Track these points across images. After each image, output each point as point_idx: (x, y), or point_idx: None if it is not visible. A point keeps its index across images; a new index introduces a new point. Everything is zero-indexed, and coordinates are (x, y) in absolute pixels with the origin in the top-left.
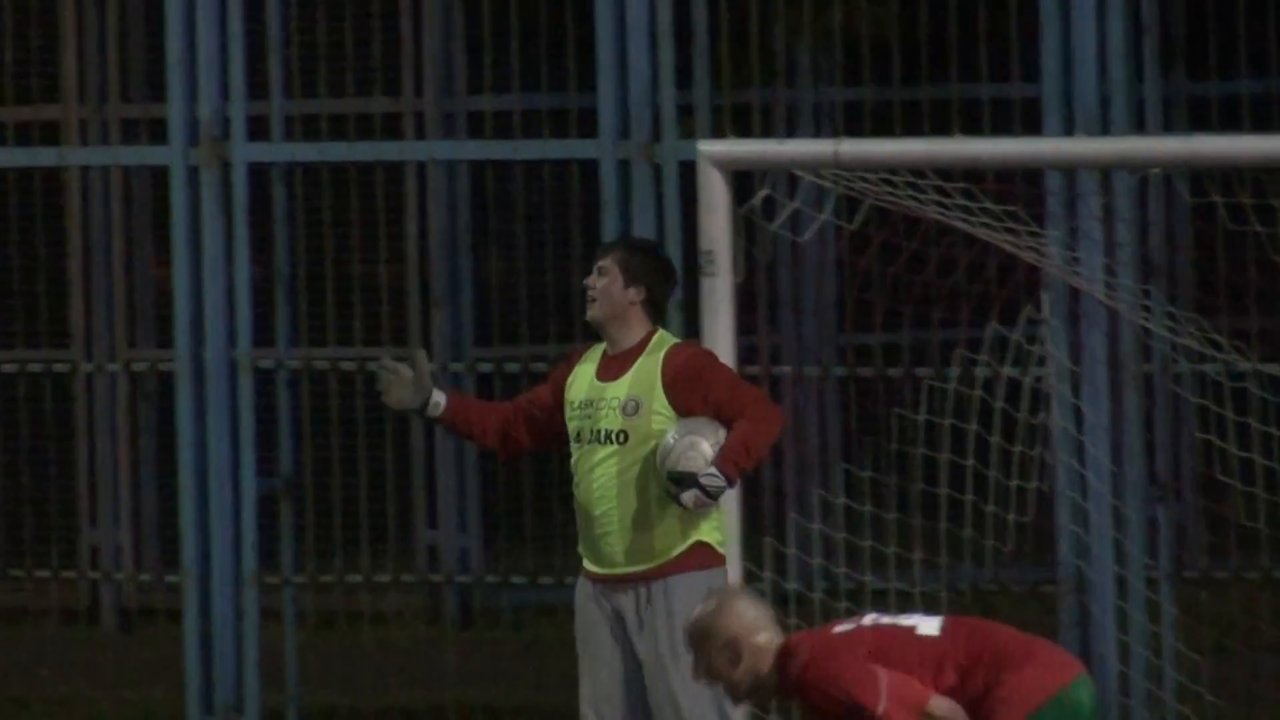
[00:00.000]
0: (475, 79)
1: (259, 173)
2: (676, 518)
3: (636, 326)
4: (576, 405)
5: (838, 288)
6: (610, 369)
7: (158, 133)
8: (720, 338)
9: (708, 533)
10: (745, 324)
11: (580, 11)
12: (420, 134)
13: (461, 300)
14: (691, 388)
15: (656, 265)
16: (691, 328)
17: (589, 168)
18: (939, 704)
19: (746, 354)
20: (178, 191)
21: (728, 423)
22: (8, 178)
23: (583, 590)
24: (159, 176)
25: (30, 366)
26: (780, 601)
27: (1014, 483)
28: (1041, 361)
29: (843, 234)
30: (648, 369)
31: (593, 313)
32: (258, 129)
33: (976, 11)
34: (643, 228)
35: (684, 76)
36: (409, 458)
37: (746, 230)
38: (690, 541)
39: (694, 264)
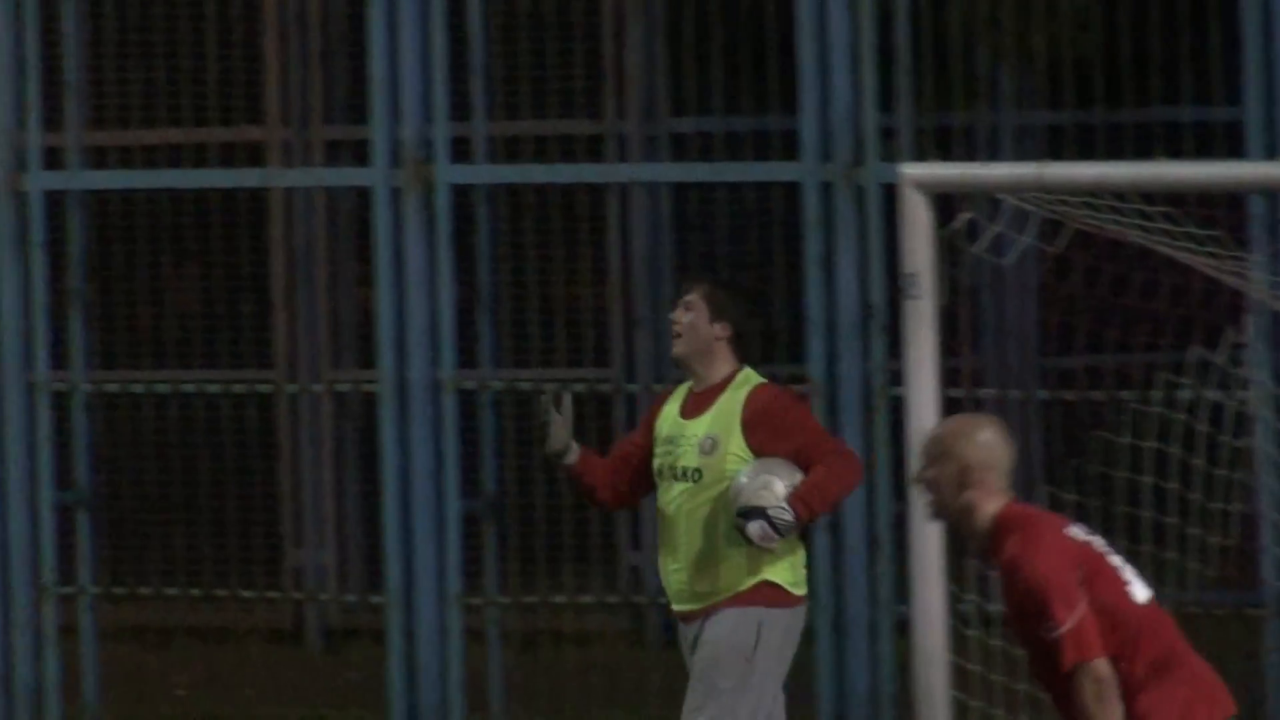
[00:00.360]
0: (678, 101)
1: (462, 194)
2: (745, 556)
3: (721, 363)
4: (661, 441)
5: (1040, 311)
6: (693, 406)
7: (360, 154)
8: (923, 361)
9: (778, 572)
10: (948, 347)
11: (783, 33)
12: (623, 156)
13: (663, 322)
14: (771, 429)
15: (743, 301)
16: (895, 350)
17: (791, 190)
18: (1102, 668)
19: (949, 377)
20: (381, 213)
21: (805, 468)
22: (212, 199)
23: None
24: (362, 198)
25: (234, 387)
26: (984, 624)
27: (1217, 505)
28: (1244, 385)
29: (1045, 257)
30: (728, 408)
31: (678, 349)
32: (460, 150)
33: (1179, 34)
34: (845, 250)
35: (886, 99)
36: None
37: (949, 253)
38: (757, 579)
39: (897, 287)
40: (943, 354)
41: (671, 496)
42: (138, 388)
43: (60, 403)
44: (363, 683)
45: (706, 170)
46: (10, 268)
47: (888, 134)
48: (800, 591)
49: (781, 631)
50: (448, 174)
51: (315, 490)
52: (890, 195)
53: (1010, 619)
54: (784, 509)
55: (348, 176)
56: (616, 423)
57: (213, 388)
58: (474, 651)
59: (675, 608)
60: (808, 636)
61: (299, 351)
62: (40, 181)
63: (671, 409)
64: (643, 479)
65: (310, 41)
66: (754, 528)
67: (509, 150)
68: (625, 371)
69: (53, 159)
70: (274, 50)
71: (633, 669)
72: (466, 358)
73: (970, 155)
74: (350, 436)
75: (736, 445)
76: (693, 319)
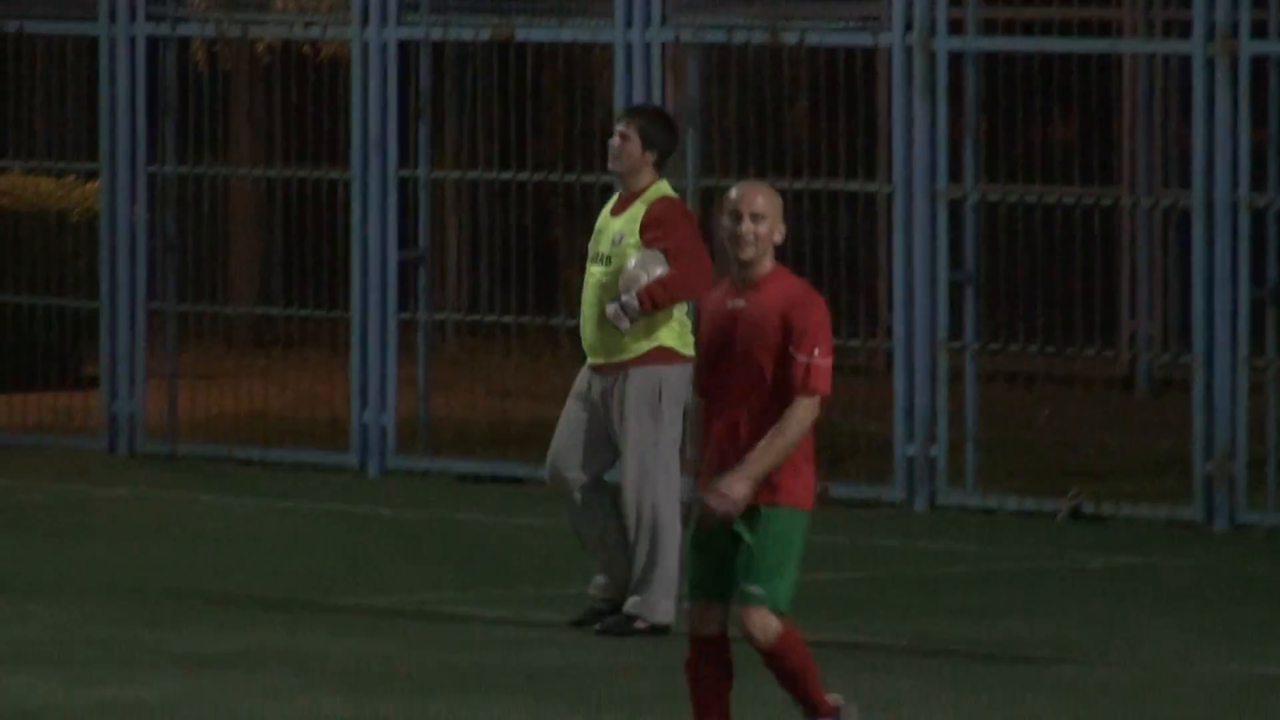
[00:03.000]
0: None
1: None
2: (642, 326)
3: (644, 177)
4: (595, 233)
5: None
6: (618, 207)
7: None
8: None
9: (667, 338)
10: None
11: None
12: None
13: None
14: (658, 230)
15: (665, 131)
16: None
17: None
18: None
19: None
20: (1197, 79)
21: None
22: (1068, 61)
23: (582, 373)
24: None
25: (1084, 200)
26: None
27: None
28: None
29: None
30: (637, 211)
31: (614, 165)
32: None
33: None
34: None
35: None
36: None
37: None
38: (654, 345)
39: None
40: None
41: (592, 273)
42: (1012, 198)
43: (955, 208)
44: (1177, 422)
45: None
46: (921, 110)
47: None
48: (689, 352)
49: (675, 383)
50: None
51: (1146, 280)
52: None
53: (754, 337)
54: (632, 299)
55: (1172, 47)
56: None
57: (1067, 200)
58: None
59: (590, 360)
60: None
61: (1137, 174)
62: (946, 44)
63: (606, 209)
64: None
65: None
66: (610, 308)
67: None
68: None
69: (954, 27)
70: None
71: None
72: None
73: None
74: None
75: (634, 240)
76: (627, 145)
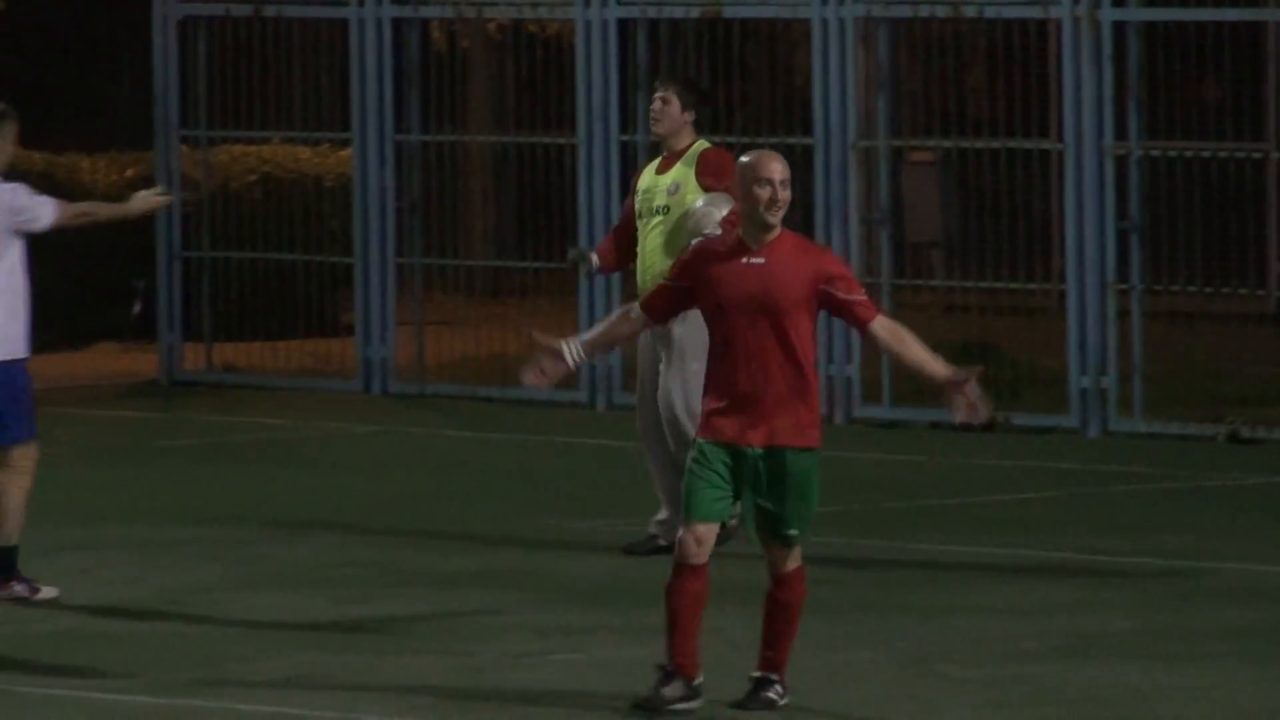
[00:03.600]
0: None
1: None
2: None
3: (685, 138)
4: (641, 193)
5: None
6: (663, 166)
7: None
8: None
9: None
10: None
11: None
12: None
13: None
14: (712, 175)
15: (701, 94)
16: None
17: None
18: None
19: None
20: None
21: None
22: (1221, 29)
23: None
24: None
25: (1237, 154)
26: None
27: None
28: None
29: None
30: (688, 165)
31: (658, 129)
32: None
33: None
34: None
35: None
36: None
37: None
38: None
39: None
40: None
41: (650, 227)
42: (1171, 153)
43: (1120, 163)
44: None
45: None
46: (1089, 75)
47: None
48: None
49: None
50: None
51: None
52: None
53: (779, 288)
54: (716, 229)
55: None
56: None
57: (1221, 154)
58: None
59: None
60: None
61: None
62: (1110, 15)
63: (649, 170)
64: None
65: None
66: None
67: None
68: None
69: (1117, 0)
70: None
71: None
72: None
73: None
74: None
75: (692, 187)
76: (668, 108)
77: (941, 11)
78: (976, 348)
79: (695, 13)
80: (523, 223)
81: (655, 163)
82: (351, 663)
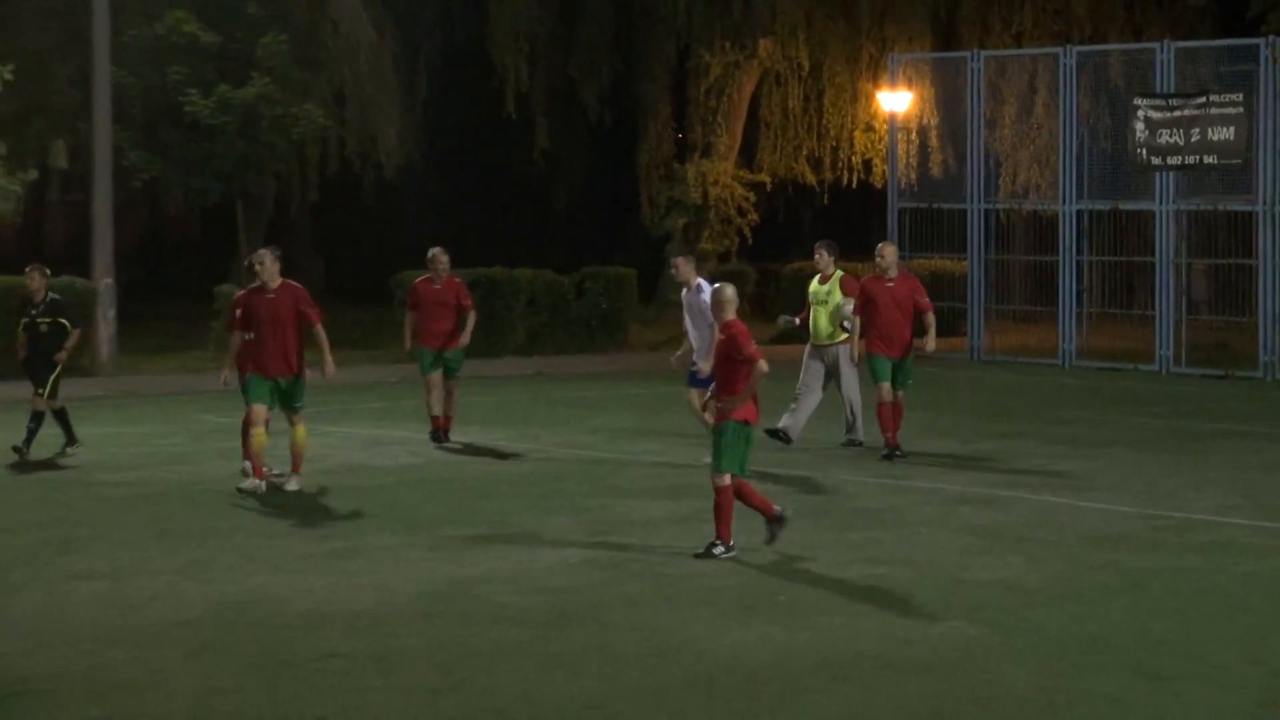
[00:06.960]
0: None
1: None
2: (838, 329)
3: (831, 268)
4: (811, 294)
5: None
6: (820, 282)
7: None
8: None
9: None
10: None
11: None
12: None
13: None
14: (846, 289)
15: (834, 247)
16: None
17: None
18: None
19: None
20: None
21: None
22: None
23: (811, 349)
24: None
25: None
26: None
27: None
28: None
29: None
30: (834, 283)
31: (823, 267)
32: None
33: None
34: None
35: None
36: None
37: None
38: (843, 335)
39: None
40: None
41: (819, 308)
42: None
43: None
44: None
45: None
46: None
47: None
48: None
49: (846, 348)
50: None
51: None
52: None
53: (903, 300)
54: (848, 318)
55: None
56: None
57: None
58: None
59: (819, 343)
60: None
61: None
62: None
63: (813, 282)
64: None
65: None
66: (846, 323)
67: None
68: None
69: None
70: None
71: None
72: None
73: None
74: None
75: (837, 294)
76: (824, 258)
77: None
78: None
79: None
80: None
81: (817, 279)
82: None
